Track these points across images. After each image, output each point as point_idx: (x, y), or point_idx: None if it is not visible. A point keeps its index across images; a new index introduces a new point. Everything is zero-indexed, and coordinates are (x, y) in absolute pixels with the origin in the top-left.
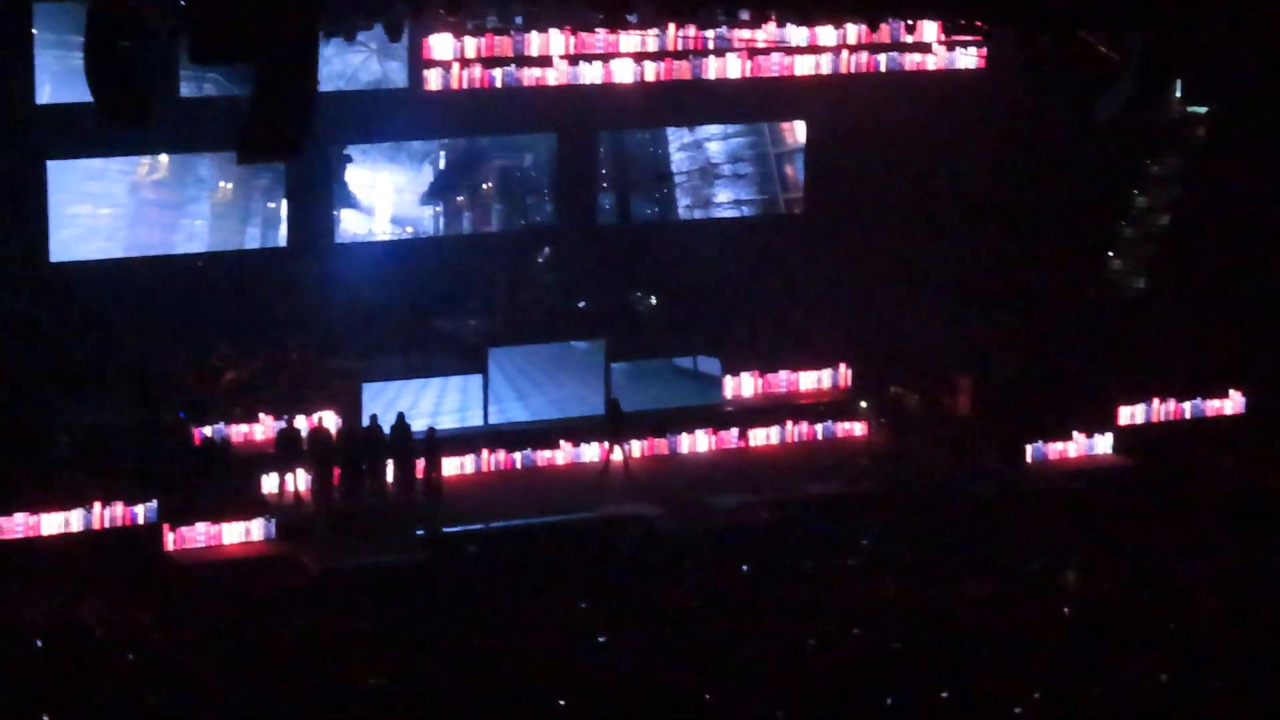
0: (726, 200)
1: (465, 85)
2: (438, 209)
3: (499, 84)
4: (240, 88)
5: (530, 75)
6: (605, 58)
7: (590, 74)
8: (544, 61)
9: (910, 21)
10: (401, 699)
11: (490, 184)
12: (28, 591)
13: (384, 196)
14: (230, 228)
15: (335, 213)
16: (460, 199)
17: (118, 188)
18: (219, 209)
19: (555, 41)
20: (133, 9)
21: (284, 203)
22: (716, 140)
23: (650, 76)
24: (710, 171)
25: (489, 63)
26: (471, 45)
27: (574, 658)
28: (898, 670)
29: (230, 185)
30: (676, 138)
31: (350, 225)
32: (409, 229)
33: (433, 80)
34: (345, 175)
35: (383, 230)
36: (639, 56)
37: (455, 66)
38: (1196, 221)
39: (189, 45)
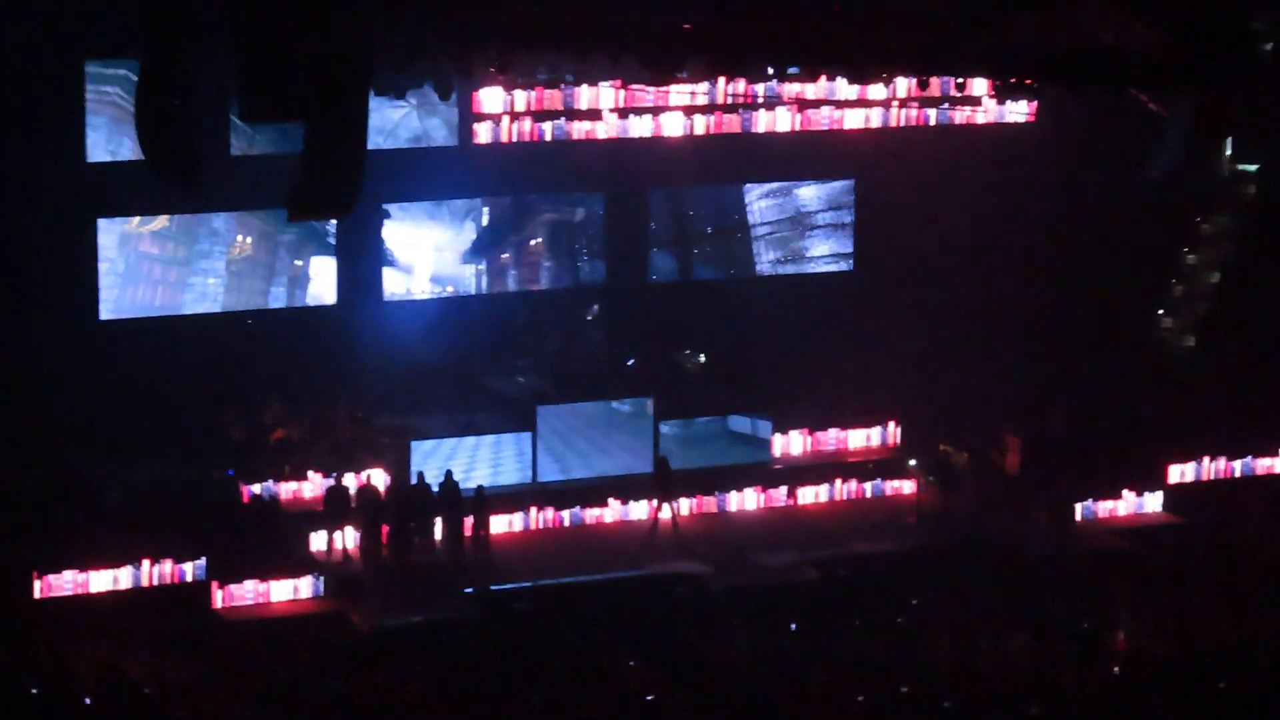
0: (825, 253)
1: (515, 138)
2: (480, 267)
3: (548, 137)
4: (290, 146)
5: (580, 129)
6: (655, 111)
7: (640, 127)
8: (594, 115)
9: (960, 80)
10: None
11: (540, 240)
12: (77, 648)
13: (424, 254)
14: (251, 286)
15: (380, 270)
16: (507, 256)
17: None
18: (236, 266)
19: (605, 95)
20: (184, 67)
21: (311, 261)
22: (810, 185)
23: (700, 130)
24: (802, 221)
25: (539, 116)
26: (521, 98)
27: (622, 717)
28: None
29: (249, 239)
30: (757, 184)
31: (389, 283)
32: (449, 288)
33: (482, 134)
34: (384, 232)
35: (421, 289)
36: (689, 110)
37: (505, 120)
38: (1247, 279)
39: (239, 103)
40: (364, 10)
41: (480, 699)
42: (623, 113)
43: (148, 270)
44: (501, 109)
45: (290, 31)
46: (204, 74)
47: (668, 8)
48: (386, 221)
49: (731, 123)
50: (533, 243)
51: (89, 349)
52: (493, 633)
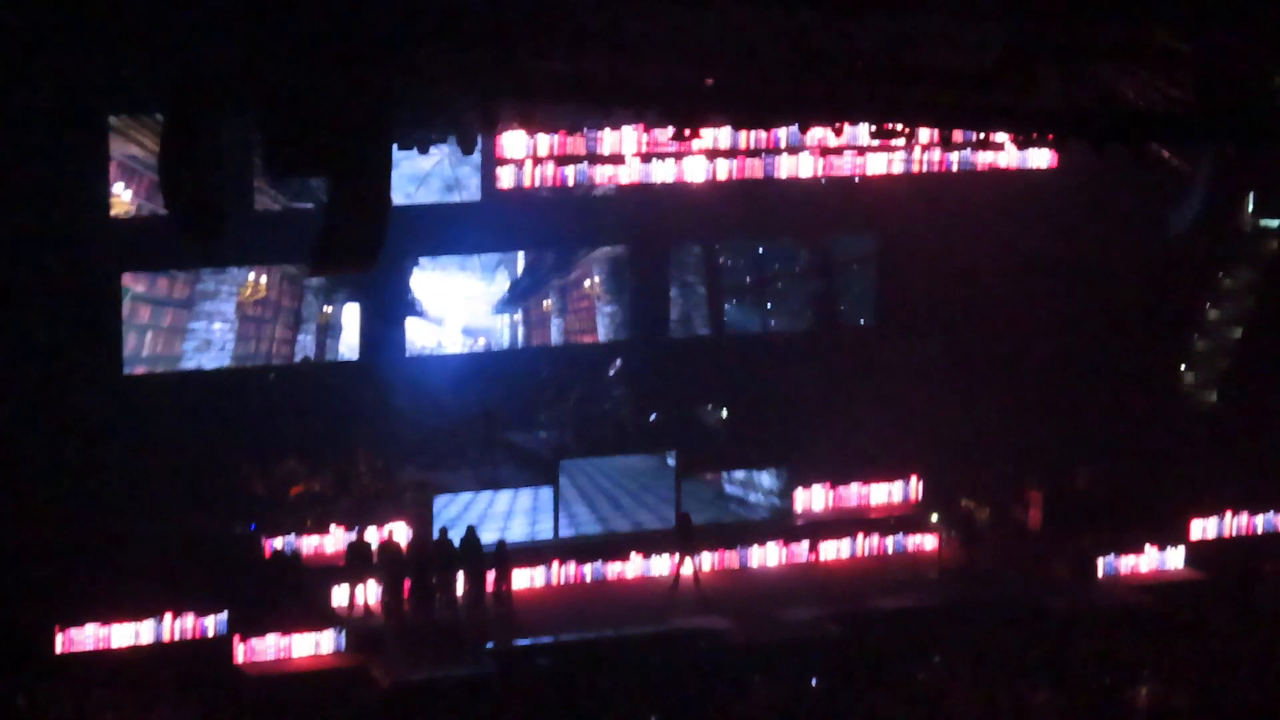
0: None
1: (537, 183)
2: (515, 317)
3: (571, 182)
4: (314, 201)
5: (603, 173)
6: (678, 156)
7: (662, 172)
8: (616, 160)
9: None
10: None
11: (549, 301)
12: (99, 703)
13: (456, 305)
14: (272, 334)
15: (404, 324)
16: (548, 303)
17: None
18: (250, 310)
19: (628, 139)
20: (208, 124)
21: (343, 309)
22: None
23: (722, 175)
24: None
25: (561, 160)
26: (545, 143)
27: None
28: None
29: (263, 280)
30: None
31: (420, 335)
32: (481, 339)
33: (505, 178)
34: (412, 283)
35: (453, 340)
36: (711, 155)
37: (528, 164)
38: (1269, 335)
39: (263, 159)
40: (385, 68)
41: None
42: (645, 157)
43: (134, 312)
44: (525, 154)
45: (313, 89)
46: (228, 130)
47: (689, 62)
48: (417, 270)
49: (754, 168)
50: (545, 303)
51: (112, 403)
52: (515, 689)
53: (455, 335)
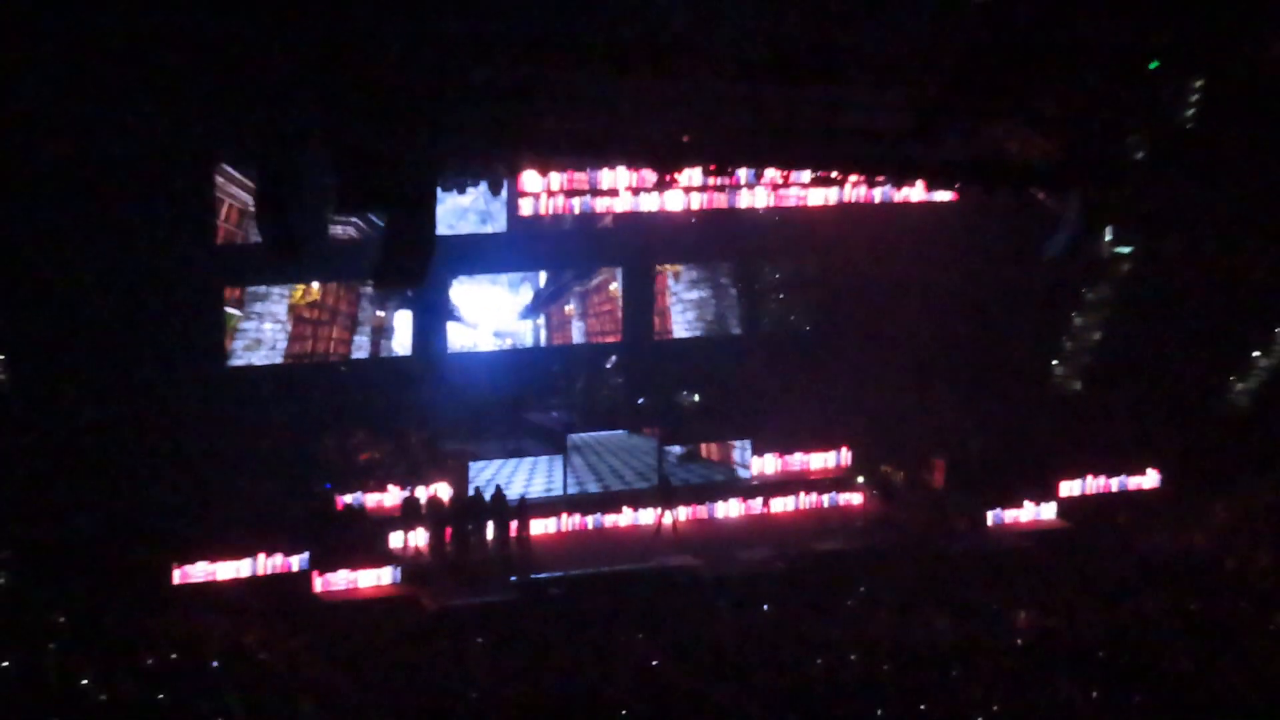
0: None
1: (551, 211)
2: (538, 322)
3: (576, 210)
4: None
5: (602, 203)
6: (661, 188)
7: (648, 203)
8: (612, 193)
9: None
10: (500, 711)
11: (571, 306)
12: (207, 624)
13: (488, 312)
14: (329, 335)
15: (446, 328)
16: (554, 315)
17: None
18: (305, 312)
19: (622, 177)
20: (293, 169)
21: (395, 314)
22: None
23: (696, 205)
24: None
25: (569, 193)
26: (556, 179)
27: (631, 677)
28: (886, 689)
29: (316, 284)
30: None
31: (459, 336)
32: (509, 340)
33: (525, 208)
34: (452, 294)
35: (485, 341)
36: (687, 189)
37: (544, 196)
38: (1122, 337)
39: (336, 198)
40: (434, 128)
41: (522, 663)
42: (635, 191)
43: None
44: (540, 188)
45: (375, 142)
46: (308, 172)
47: (670, 122)
48: (456, 284)
49: (720, 200)
50: (568, 308)
51: (216, 391)
52: (532, 613)
53: (488, 337)
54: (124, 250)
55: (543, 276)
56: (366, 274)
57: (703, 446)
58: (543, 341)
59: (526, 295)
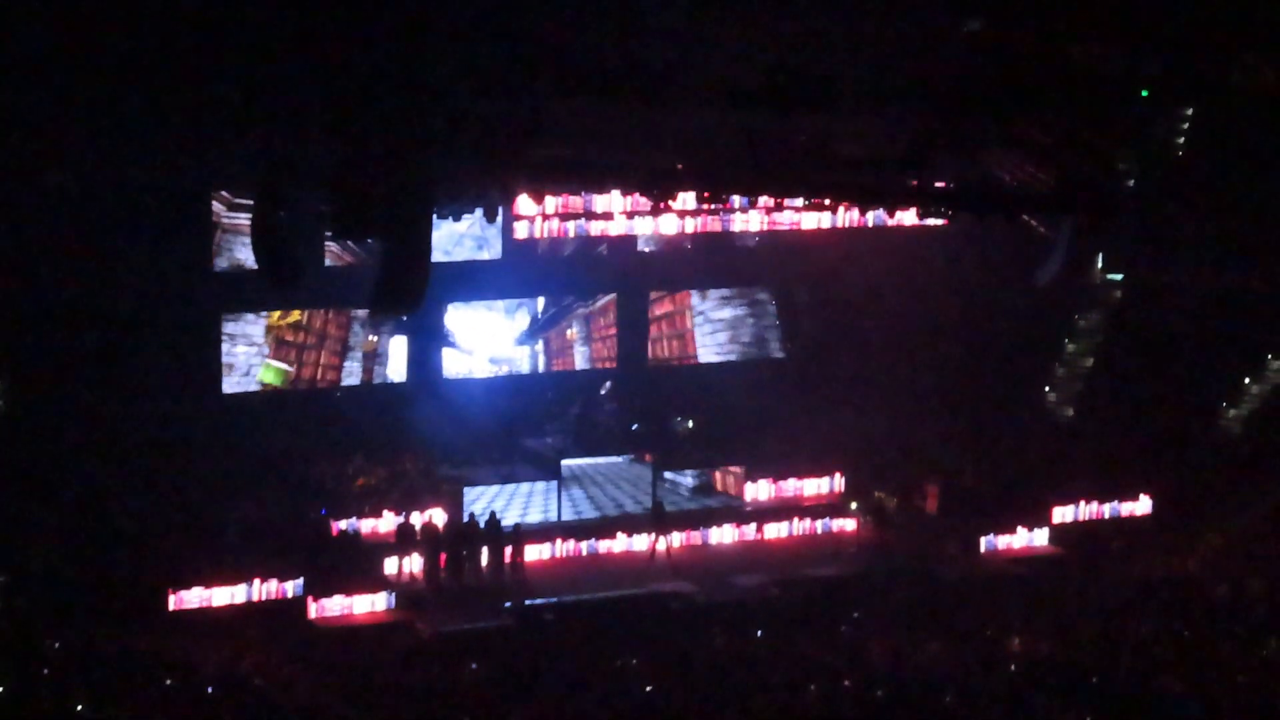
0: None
1: (546, 235)
2: (536, 348)
3: (572, 234)
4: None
5: (597, 227)
6: (655, 213)
7: (643, 226)
8: (607, 216)
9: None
10: None
11: (573, 330)
12: (202, 649)
13: (483, 339)
14: (315, 360)
15: (442, 353)
16: (554, 340)
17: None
18: (287, 334)
19: (616, 200)
20: (287, 198)
21: (390, 341)
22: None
23: (690, 229)
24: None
25: (564, 217)
26: (551, 203)
27: (626, 703)
28: (880, 715)
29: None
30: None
31: (454, 363)
32: (505, 367)
33: (520, 231)
34: (447, 320)
35: (481, 368)
36: (681, 213)
37: (539, 220)
38: (1114, 364)
39: (330, 225)
40: (428, 155)
41: (516, 689)
42: (629, 214)
43: None
44: (535, 211)
45: (370, 171)
46: (303, 201)
47: (665, 150)
48: (451, 309)
49: (714, 224)
50: (569, 332)
51: (213, 415)
52: (526, 638)
53: (483, 363)
54: (121, 276)
55: (541, 301)
56: (362, 300)
57: (717, 478)
58: (541, 368)
59: (523, 320)
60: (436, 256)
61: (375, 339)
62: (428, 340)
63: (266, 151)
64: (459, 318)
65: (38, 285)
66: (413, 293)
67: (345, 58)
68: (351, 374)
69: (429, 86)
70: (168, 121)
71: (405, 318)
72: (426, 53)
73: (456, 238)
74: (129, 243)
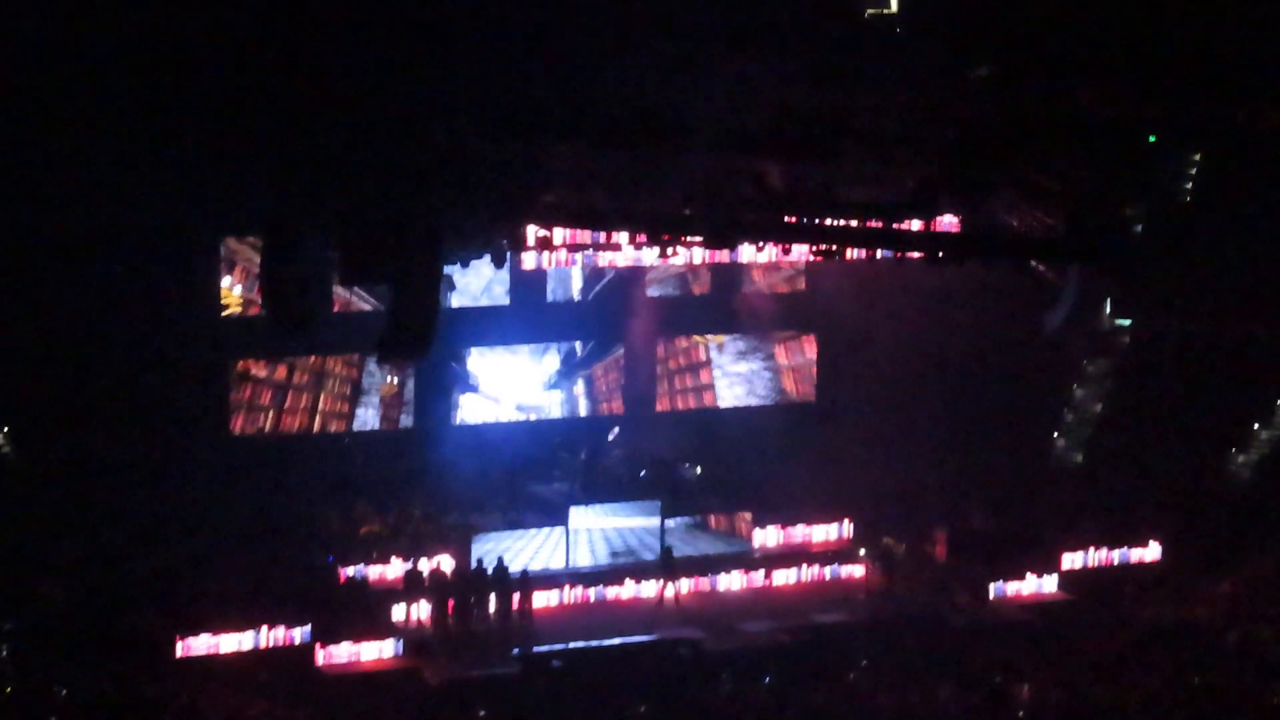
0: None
1: (552, 265)
2: (576, 390)
3: (579, 265)
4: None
5: (604, 258)
6: (663, 244)
7: (649, 257)
8: (614, 247)
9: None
10: None
11: (581, 380)
12: (209, 696)
13: (509, 384)
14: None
15: (455, 400)
16: (599, 380)
17: None
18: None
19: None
20: (298, 243)
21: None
22: None
23: (698, 260)
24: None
25: (572, 248)
26: (559, 234)
27: None
28: None
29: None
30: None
31: (477, 409)
32: (533, 415)
33: (527, 261)
34: (469, 365)
35: (508, 414)
36: (689, 244)
37: (545, 252)
38: (1123, 409)
39: (339, 271)
40: (436, 202)
41: None
42: (637, 245)
43: None
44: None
45: (379, 217)
46: (313, 247)
47: (671, 196)
48: (475, 353)
49: (722, 255)
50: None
51: (220, 460)
52: (535, 685)
53: (510, 410)
54: (128, 322)
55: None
56: (371, 348)
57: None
58: (582, 412)
59: (552, 363)
60: (462, 301)
61: (394, 381)
62: (437, 385)
63: (274, 198)
64: (483, 362)
65: (45, 330)
66: (421, 339)
67: (353, 104)
68: (364, 421)
69: (437, 134)
70: (173, 166)
71: (412, 364)
72: (434, 100)
73: (485, 283)
74: (138, 288)
